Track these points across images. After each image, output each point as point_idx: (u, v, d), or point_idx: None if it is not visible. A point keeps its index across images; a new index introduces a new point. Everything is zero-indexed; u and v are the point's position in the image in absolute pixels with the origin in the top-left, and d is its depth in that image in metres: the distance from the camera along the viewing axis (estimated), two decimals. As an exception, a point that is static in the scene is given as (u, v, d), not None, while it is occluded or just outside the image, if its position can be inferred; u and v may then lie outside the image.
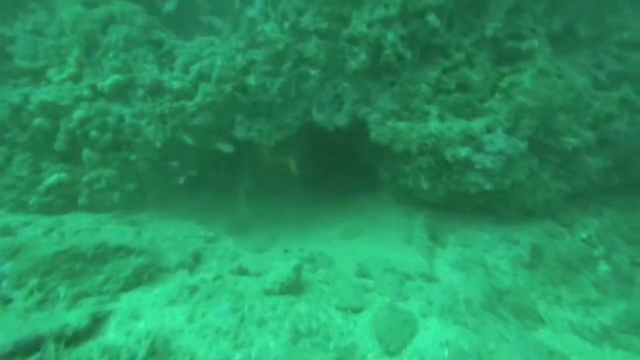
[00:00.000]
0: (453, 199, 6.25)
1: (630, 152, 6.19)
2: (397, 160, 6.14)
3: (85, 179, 4.99)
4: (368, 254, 5.58)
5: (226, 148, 5.16)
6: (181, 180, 5.31)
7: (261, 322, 3.44)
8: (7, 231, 4.10)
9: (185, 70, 5.32)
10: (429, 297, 4.29)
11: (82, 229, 4.46)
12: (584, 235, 6.11)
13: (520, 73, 5.64)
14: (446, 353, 3.42)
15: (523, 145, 5.45)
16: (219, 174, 6.48)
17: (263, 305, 3.70)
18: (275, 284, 3.98)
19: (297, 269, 4.13)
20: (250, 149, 6.35)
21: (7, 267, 3.30)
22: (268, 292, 3.94)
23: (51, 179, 4.72)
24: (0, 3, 5.56)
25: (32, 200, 4.71)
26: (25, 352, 2.51)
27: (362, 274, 4.89)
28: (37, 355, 2.51)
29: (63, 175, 4.80)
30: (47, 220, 4.48)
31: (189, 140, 5.07)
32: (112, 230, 4.63)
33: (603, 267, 5.73)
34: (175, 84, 5.10)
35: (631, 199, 6.82)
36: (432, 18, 5.28)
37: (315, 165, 7.37)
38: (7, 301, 3.08)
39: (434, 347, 3.50)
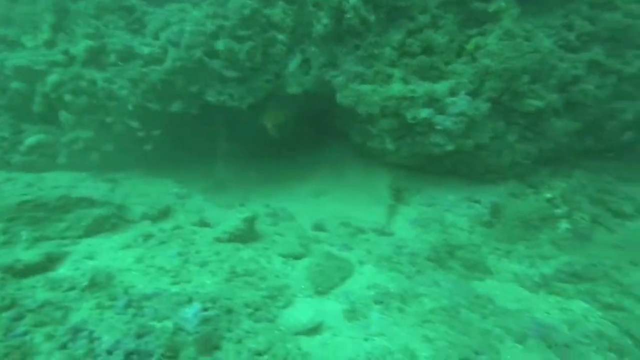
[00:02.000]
0: (421, 160, 6.41)
1: (601, 115, 6.15)
2: (365, 123, 6.30)
3: (63, 139, 5.40)
4: (331, 211, 5.88)
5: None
6: (149, 146, 5.64)
7: (203, 264, 3.82)
8: (-10, 186, 4.56)
9: (156, 36, 5.55)
10: (371, 248, 4.58)
11: (60, 185, 4.88)
12: (548, 195, 6.21)
13: (486, 35, 5.62)
14: (371, 293, 3.72)
15: (485, 107, 5.52)
16: (196, 137, 6.80)
17: (209, 250, 4.07)
18: (224, 232, 4.34)
19: (248, 220, 4.46)
20: (226, 113, 6.61)
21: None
22: (218, 240, 4.31)
23: (31, 140, 5.14)
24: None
25: (15, 159, 5.16)
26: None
27: (318, 227, 5.20)
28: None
29: (42, 136, 5.20)
30: (28, 177, 4.92)
31: (155, 105, 5.37)
32: (87, 187, 5.04)
33: (563, 225, 5.86)
34: (146, 50, 5.35)
35: (603, 162, 6.82)
36: (394, -21, 5.30)
37: (292, 129, 7.59)
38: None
39: (362, 289, 3.81)
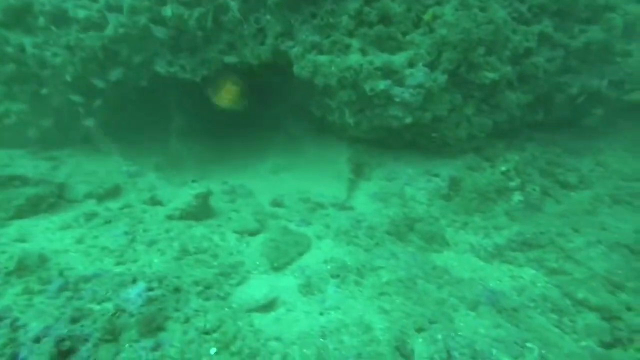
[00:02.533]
0: (381, 134, 6.37)
1: (551, 89, 6.32)
2: (323, 96, 6.15)
3: (-8, 113, 4.90)
4: (291, 187, 5.76)
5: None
6: (90, 121, 5.23)
7: (151, 243, 3.61)
8: None
9: (92, -3, 5.05)
10: (330, 223, 4.51)
11: (-10, 163, 4.43)
12: (503, 168, 6.37)
13: (442, 5, 5.54)
14: (328, 267, 3.67)
15: (443, 78, 5.50)
16: (148, 112, 6.39)
17: (159, 228, 3.86)
18: (176, 209, 4.13)
19: (201, 197, 4.26)
20: (179, 86, 6.23)
21: None
22: (169, 218, 4.09)
23: (-47, 113, 4.61)
24: None
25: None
26: None
27: (277, 203, 5.08)
28: None
29: (-34, 109, 4.69)
30: (-48, 155, 4.44)
31: (98, 76, 4.95)
32: (22, 165, 4.62)
33: (516, 197, 6.05)
34: (81, 13, 4.87)
35: (553, 135, 7.08)
36: (350, -58, 5.06)
37: (251, 103, 7.31)
38: None
39: (318, 263, 3.75)
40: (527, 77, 5.92)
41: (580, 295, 4.08)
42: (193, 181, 4.72)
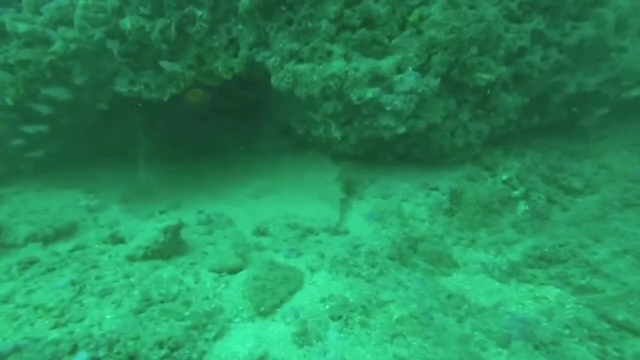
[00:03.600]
0: (370, 147, 5.83)
1: (546, 89, 5.94)
2: (306, 110, 5.60)
3: None
4: (275, 212, 5.10)
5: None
6: (38, 152, 4.52)
7: (104, 293, 2.89)
8: None
9: (36, 10, 4.43)
10: (324, 251, 3.86)
11: None
12: (504, 177, 5.90)
13: (429, 4, 5.14)
14: (326, 307, 3.01)
15: (435, 83, 5.03)
16: (110, 137, 5.70)
17: (116, 273, 3.14)
18: (139, 248, 3.41)
19: (169, 231, 3.56)
20: (144, 108, 5.59)
21: None
22: (130, 259, 3.37)
23: None
24: None
25: None
26: None
27: (261, 232, 4.41)
28: None
29: None
30: None
31: (44, 108, 4.27)
32: (-48, 206, 3.84)
33: (522, 207, 5.56)
34: (22, 27, 4.23)
35: (550, 139, 6.69)
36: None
37: (224, 124, 6.72)
38: None
39: (314, 303, 3.09)
40: (522, 77, 5.52)
41: (620, 317, 3.50)
42: (161, 212, 4.02)
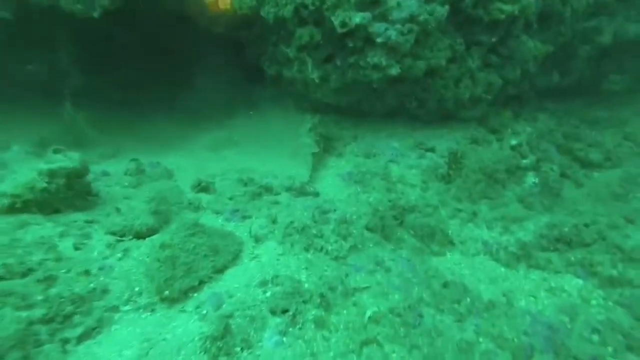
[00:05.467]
0: (356, 95, 4.74)
1: (575, 37, 4.87)
2: (278, 43, 4.44)
3: None
4: (230, 166, 4.02)
5: None
6: None
7: None
8: None
9: None
10: (279, 215, 2.82)
11: None
12: (513, 142, 4.94)
13: None
14: (266, 295, 1.99)
15: (442, 11, 3.91)
16: (23, 60, 4.47)
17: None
18: (2, 196, 2.31)
19: (55, 175, 2.46)
20: (71, 22, 4.33)
21: None
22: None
23: None
24: None
25: None
26: None
27: (202, 187, 3.33)
28: None
29: None
30: None
31: None
32: None
33: (530, 179, 4.62)
34: None
35: (568, 104, 5.69)
36: None
37: (187, 60, 5.51)
38: None
39: (250, 287, 2.07)
40: (550, 16, 4.42)
41: (669, 321, 2.60)
42: (55, 151, 2.91)
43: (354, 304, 2.12)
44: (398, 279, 2.55)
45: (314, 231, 2.64)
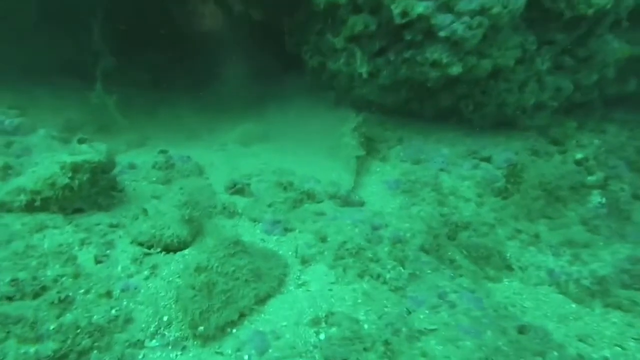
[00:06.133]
0: (405, 94, 4.30)
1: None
2: (324, 31, 4.03)
3: None
4: (265, 165, 3.67)
5: None
6: None
7: None
8: None
9: None
10: (326, 229, 2.44)
11: None
12: (578, 156, 4.40)
13: None
14: (320, 338, 1.62)
15: (519, 3, 3.41)
16: (55, 38, 4.21)
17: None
18: (19, 192, 2.05)
19: (79, 170, 2.14)
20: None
21: None
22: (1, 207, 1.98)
23: None
24: None
25: None
26: None
27: (238, 188, 2.99)
28: None
29: None
30: None
31: None
32: None
33: (596, 199, 4.11)
34: None
35: (636, 115, 5.07)
36: None
37: (219, 49, 5.17)
38: None
39: (299, 325, 1.70)
40: None
41: None
42: (80, 140, 2.60)
43: (422, 354, 1.73)
44: (466, 318, 2.14)
45: (369, 254, 2.25)
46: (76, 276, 1.70)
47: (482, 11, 3.35)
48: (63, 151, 2.54)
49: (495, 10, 3.33)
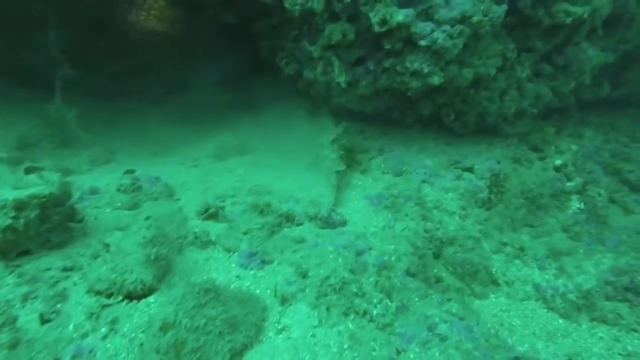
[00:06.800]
0: (385, 103, 4.16)
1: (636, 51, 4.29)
2: (300, 38, 3.84)
3: None
4: (241, 182, 3.45)
5: None
6: None
7: None
8: None
9: None
10: (306, 260, 2.26)
11: None
12: (558, 162, 4.39)
13: None
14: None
15: (500, 10, 3.31)
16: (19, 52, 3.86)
17: None
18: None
19: (23, 208, 1.89)
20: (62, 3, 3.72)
21: None
22: None
23: None
24: None
25: None
26: None
27: (212, 214, 2.77)
28: None
29: None
30: None
31: None
32: None
33: (575, 205, 4.12)
34: None
35: (614, 118, 5.11)
36: None
37: (191, 55, 4.88)
38: None
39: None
40: (617, 20, 3.83)
41: None
42: (27, 170, 2.32)
43: (416, 406, 1.58)
44: (458, 353, 2.01)
45: (354, 288, 2.08)
46: (13, 346, 1.45)
47: (463, 19, 3.24)
48: (6, 183, 2.25)
49: (475, 18, 3.22)
